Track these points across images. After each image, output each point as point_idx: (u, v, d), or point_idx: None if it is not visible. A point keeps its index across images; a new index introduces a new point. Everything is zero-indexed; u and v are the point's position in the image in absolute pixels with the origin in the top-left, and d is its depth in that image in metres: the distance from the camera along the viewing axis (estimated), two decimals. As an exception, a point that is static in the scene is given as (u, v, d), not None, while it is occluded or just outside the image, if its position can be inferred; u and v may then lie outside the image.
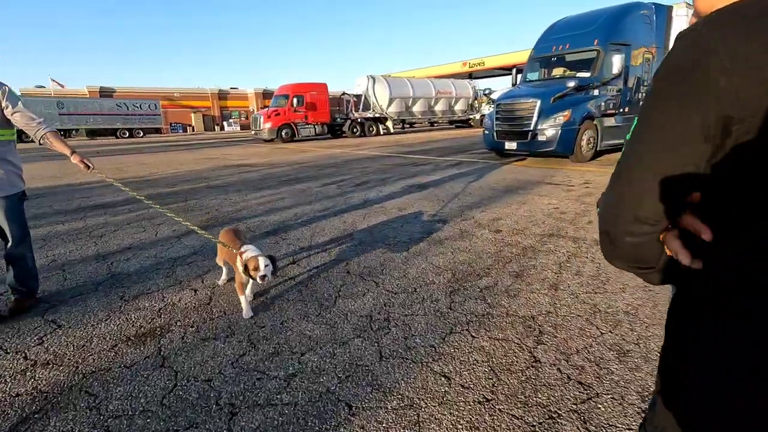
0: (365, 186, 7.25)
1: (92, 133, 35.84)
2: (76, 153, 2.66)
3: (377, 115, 23.31)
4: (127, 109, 36.93)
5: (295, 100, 21.07)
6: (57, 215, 5.74)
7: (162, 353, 2.25)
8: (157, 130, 39.44)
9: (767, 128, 0.48)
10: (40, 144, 2.66)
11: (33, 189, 8.04)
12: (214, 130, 48.23)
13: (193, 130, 46.66)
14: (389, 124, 24.20)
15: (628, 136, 0.63)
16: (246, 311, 2.61)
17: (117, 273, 3.47)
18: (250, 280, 2.54)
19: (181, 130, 45.10)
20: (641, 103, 0.68)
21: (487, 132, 10.28)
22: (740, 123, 0.50)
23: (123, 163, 13.21)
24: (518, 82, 11.13)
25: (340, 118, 23.22)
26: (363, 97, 23.10)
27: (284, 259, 3.64)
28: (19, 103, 2.54)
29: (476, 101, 28.69)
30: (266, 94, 48.14)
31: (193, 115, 47.50)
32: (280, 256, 3.71)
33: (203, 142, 24.01)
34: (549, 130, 8.90)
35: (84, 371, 2.10)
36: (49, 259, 3.88)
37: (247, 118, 44.82)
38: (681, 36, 0.57)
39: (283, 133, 20.85)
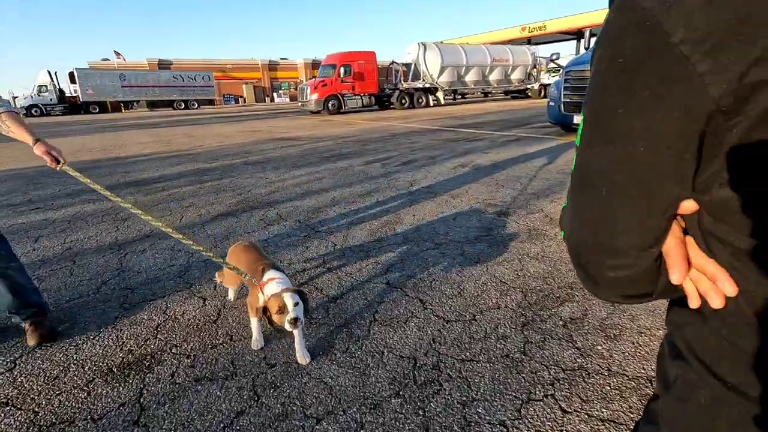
0: (412, 165, 6.50)
1: (152, 105, 37.31)
2: (41, 142, 1.98)
3: (427, 86, 22.03)
4: (183, 81, 37.90)
5: (342, 70, 20.31)
6: (92, 192, 5.52)
7: (142, 399, 1.73)
8: (211, 102, 40.32)
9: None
10: None
11: (79, 162, 8.05)
12: (265, 101, 48.75)
13: (245, 102, 47.40)
14: (440, 94, 22.88)
15: (578, 141, 0.44)
16: (256, 340, 2.04)
17: (127, 268, 3.05)
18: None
19: (233, 102, 45.96)
20: (591, 91, 0.42)
21: (552, 103, 9.04)
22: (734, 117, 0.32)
23: (173, 135, 13.26)
24: (592, 46, 9.68)
25: (388, 88, 22.18)
26: (413, 66, 21.86)
27: (313, 262, 3.04)
28: None
29: (535, 69, 26.43)
30: (315, 65, 47.63)
31: (244, 86, 48.14)
32: (309, 257, 3.12)
33: (252, 114, 24.04)
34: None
35: (39, 423, 1.63)
36: (65, 246, 3.56)
37: (296, 89, 44.81)
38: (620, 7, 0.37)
39: (329, 105, 20.27)
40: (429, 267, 2.85)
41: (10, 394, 1.79)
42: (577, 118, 8.36)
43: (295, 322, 1.74)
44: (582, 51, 10.64)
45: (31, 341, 2.02)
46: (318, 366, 1.90)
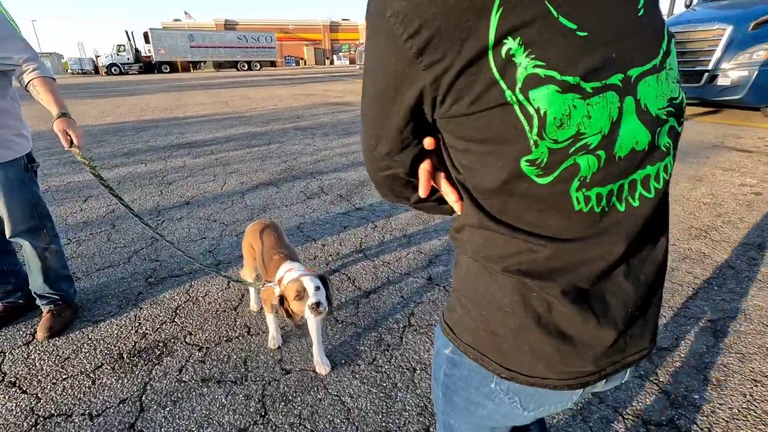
0: (470, 137, 5.95)
1: (218, 66, 38.39)
2: (63, 118, 1.72)
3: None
4: (246, 41, 38.40)
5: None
6: (147, 152, 5.61)
7: (144, 398, 1.57)
8: (272, 63, 40.69)
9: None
10: (27, 91, 1.78)
11: (141, 122, 8.30)
12: (324, 63, 48.51)
13: (305, 64, 47.45)
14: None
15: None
16: (273, 338, 1.81)
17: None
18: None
19: (294, 64, 46.16)
20: None
21: (638, 71, 7.88)
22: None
23: (232, 96, 13.43)
24: (695, 3, 8.24)
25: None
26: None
27: (348, 245, 2.76)
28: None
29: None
30: (376, 26, 46.21)
31: (305, 48, 48.07)
32: (345, 239, 2.85)
33: (310, 77, 23.89)
34: (737, 70, 6.37)
35: (38, 412, 1.52)
36: (109, 209, 3.56)
37: (355, 51, 43.97)
38: None
39: (387, 69, 19.52)
40: (479, 262, 2.47)
41: (20, 373, 1.71)
42: (668, 89, 7.23)
43: (317, 307, 1.46)
44: (680, 9, 9.07)
45: (39, 333, 1.90)
46: (337, 378, 1.63)
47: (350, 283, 2.31)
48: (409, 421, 1.43)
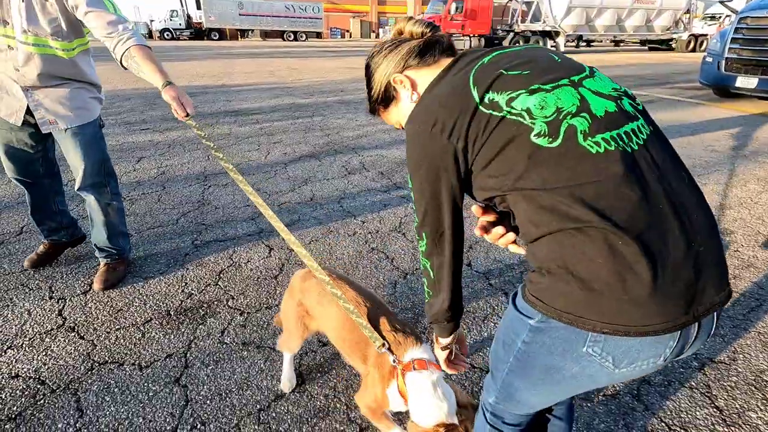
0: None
1: (265, 35, 38.58)
2: (171, 85, 1.64)
3: (547, 29, 19.44)
4: (294, 11, 38.23)
5: (453, 6, 18.68)
6: (195, 118, 5.68)
7: (188, 354, 1.65)
8: (318, 35, 40.43)
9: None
10: (122, 66, 1.72)
11: (191, 87, 8.51)
12: (370, 37, 47.76)
13: (350, 36, 46.91)
14: (560, 40, 20.05)
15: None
16: None
17: (207, 202, 3.05)
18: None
19: (339, 36, 45.74)
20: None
21: (710, 60, 7.24)
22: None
23: (277, 66, 13.51)
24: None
25: (502, 30, 20.04)
26: (535, 5, 19.31)
27: (388, 224, 2.75)
28: None
29: (687, 15, 21.79)
30: (425, 0, 44.85)
31: (351, 20, 47.40)
32: (385, 218, 2.83)
33: (355, 50, 23.62)
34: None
35: (94, 358, 1.62)
36: (160, 170, 3.70)
37: (402, 25, 42.66)
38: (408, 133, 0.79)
39: (434, 45, 18.98)
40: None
41: (78, 320, 1.83)
42: (741, 80, 6.62)
43: None
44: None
45: (96, 284, 2.04)
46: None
47: (389, 262, 2.30)
48: (442, 406, 1.43)
